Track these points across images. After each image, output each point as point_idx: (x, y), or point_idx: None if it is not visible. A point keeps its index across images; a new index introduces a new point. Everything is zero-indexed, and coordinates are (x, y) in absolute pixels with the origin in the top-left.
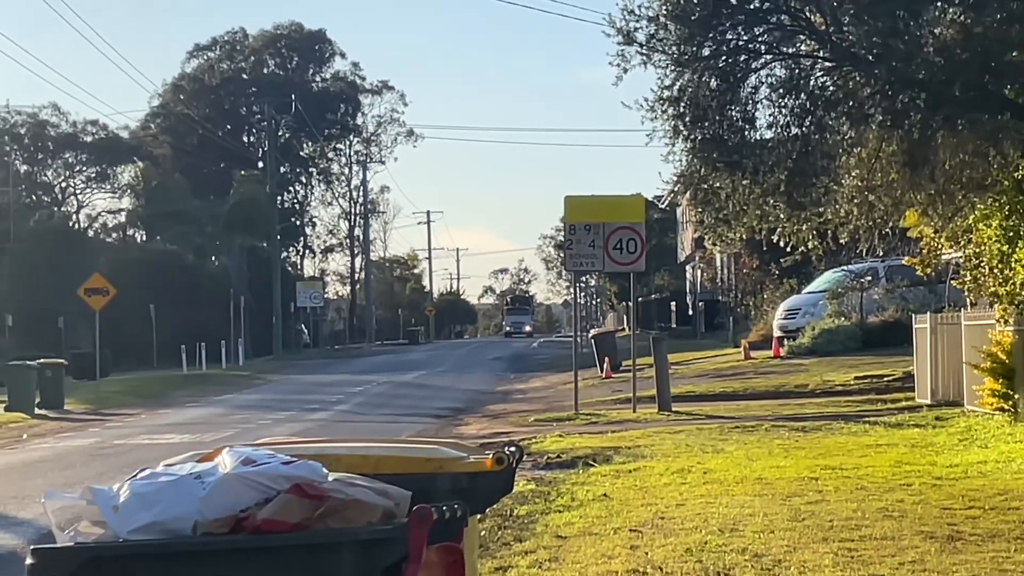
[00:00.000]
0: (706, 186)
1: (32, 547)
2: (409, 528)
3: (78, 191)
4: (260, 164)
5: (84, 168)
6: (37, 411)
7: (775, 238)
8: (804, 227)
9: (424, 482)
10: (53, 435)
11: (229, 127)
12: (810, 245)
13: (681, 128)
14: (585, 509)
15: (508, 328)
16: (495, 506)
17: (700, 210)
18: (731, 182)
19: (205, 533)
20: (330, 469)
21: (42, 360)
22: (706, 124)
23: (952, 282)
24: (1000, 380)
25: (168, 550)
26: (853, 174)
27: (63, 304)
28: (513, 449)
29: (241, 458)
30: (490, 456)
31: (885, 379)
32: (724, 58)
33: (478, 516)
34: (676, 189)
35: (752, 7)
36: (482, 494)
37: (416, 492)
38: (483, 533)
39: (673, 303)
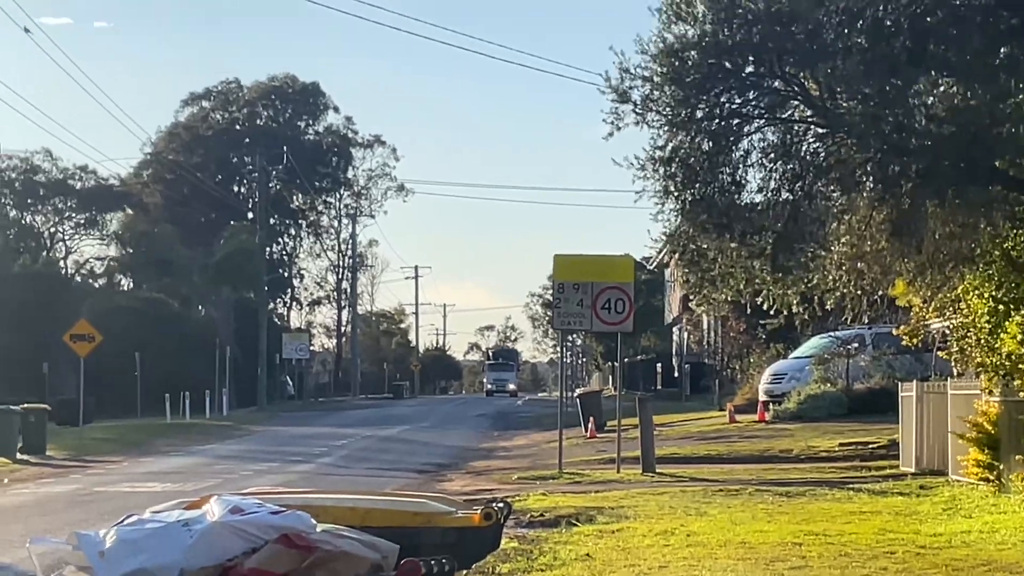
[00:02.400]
0: (694, 247)
1: None
2: None
3: (67, 237)
4: (250, 215)
5: (74, 214)
6: (19, 456)
7: (759, 301)
8: (790, 291)
9: (412, 536)
10: (35, 480)
11: (221, 177)
12: (795, 309)
13: (671, 188)
14: (567, 569)
15: (490, 386)
16: (477, 563)
17: (687, 270)
18: (719, 244)
19: None
20: (318, 520)
21: (25, 405)
22: (696, 185)
23: (939, 352)
24: (985, 450)
25: None
26: (842, 241)
27: (48, 349)
28: (501, 505)
29: (229, 507)
30: (478, 511)
31: (870, 446)
32: (717, 121)
33: (464, 572)
34: (664, 250)
35: (746, 72)
36: (470, 549)
37: (404, 545)
38: None
39: (659, 364)
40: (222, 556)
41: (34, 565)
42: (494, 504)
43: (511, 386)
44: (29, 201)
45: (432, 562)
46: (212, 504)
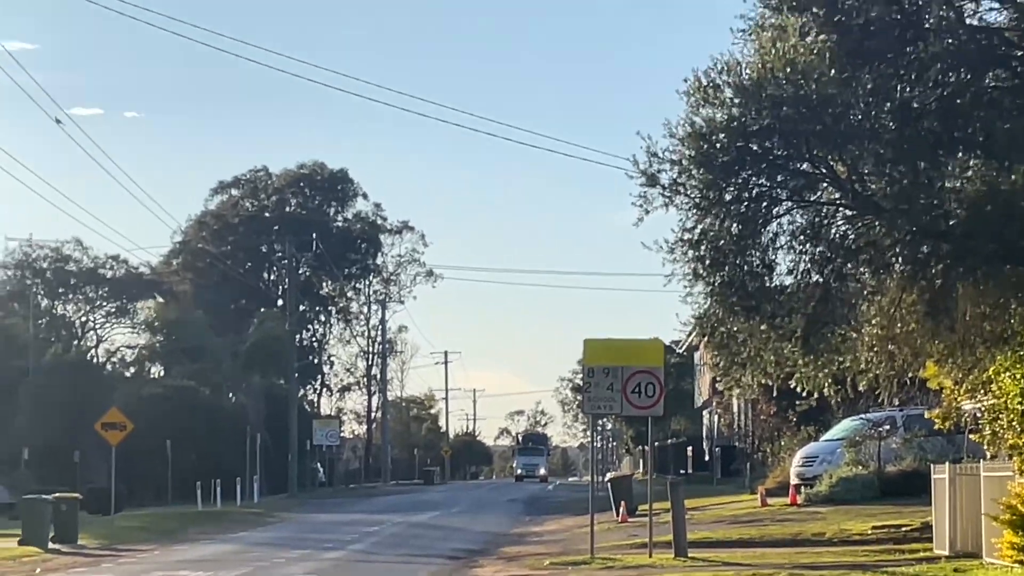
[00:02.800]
0: (723, 330)
1: None
2: None
3: (97, 326)
4: (280, 302)
5: (104, 303)
6: (51, 545)
7: (791, 383)
8: (821, 374)
9: None
10: (67, 570)
11: (250, 264)
12: (827, 392)
13: (700, 271)
14: None
15: (519, 471)
16: None
17: (716, 353)
18: (748, 326)
19: None
20: None
21: (57, 494)
22: (725, 268)
23: (971, 436)
24: (1019, 532)
25: None
26: (873, 323)
27: (79, 438)
28: None
29: None
30: None
31: (903, 529)
32: (745, 204)
33: None
34: (693, 332)
35: (774, 155)
36: None
37: None
38: None
39: (690, 448)
40: None
41: None
42: None
43: (541, 471)
44: (60, 290)
45: None
46: None
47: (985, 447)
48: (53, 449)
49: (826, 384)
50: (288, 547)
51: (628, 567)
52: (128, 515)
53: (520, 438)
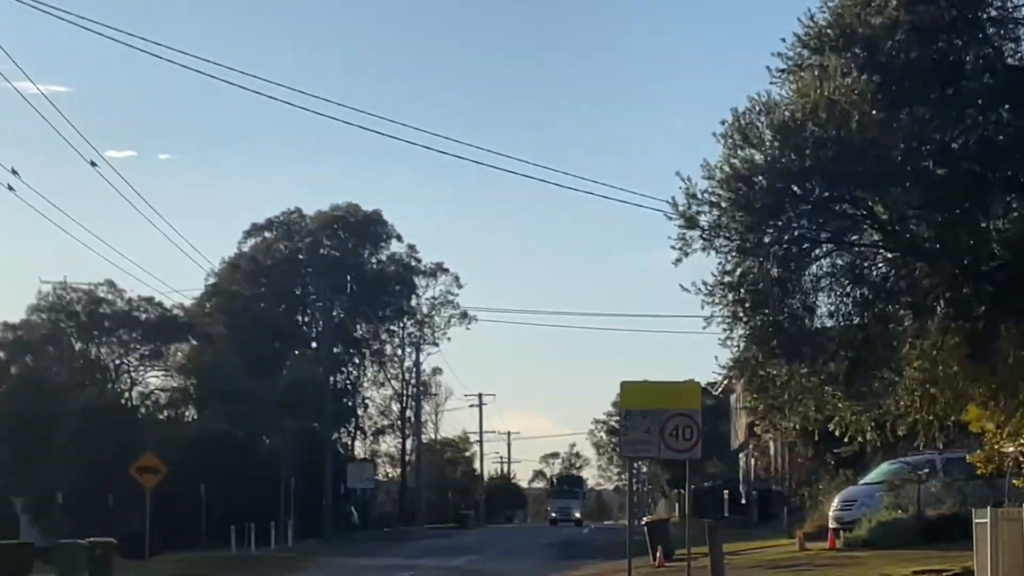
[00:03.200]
0: (763, 373)
1: None
2: None
3: (131, 369)
4: (314, 344)
5: (138, 346)
6: None
7: (831, 427)
8: (862, 418)
9: None
10: None
11: (284, 307)
12: (868, 436)
13: (740, 314)
14: None
15: (554, 514)
16: None
17: (755, 397)
18: (788, 370)
19: None
20: None
21: (92, 539)
22: (766, 311)
23: (1015, 481)
24: None
25: None
26: (914, 366)
27: (113, 482)
28: None
29: None
30: None
31: (944, 574)
32: (786, 246)
33: None
34: (731, 375)
35: (815, 196)
36: None
37: None
38: None
39: (726, 491)
40: None
41: None
42: None
43: (576, 514)
44: (94, 333)
45: None
46: None
47: None
48: (87, 493)
49: (868, 428)
50: None
51: None
52: (162, 559)
53: (554, 480)
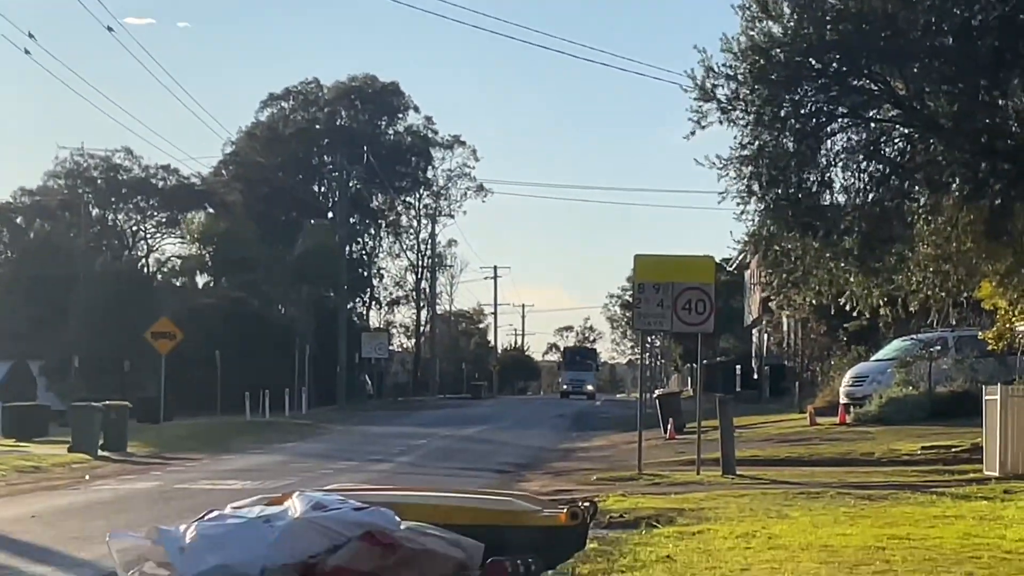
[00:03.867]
0: (777, 247)
1: None
2: None
3: (148, 236)
4: (330, 214)
5: (155, 213)
6: (100, 453)
7: (843, 302)
8: (875, 293)
9: (497, 535)
10: (115, 477)
11: (300, 176)
12: (880, 312)
13: (755, 188)
14: (648, 570)
15: (565, 386)
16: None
17: (769, 272)
18: (802, 244)
19: None
20: (402, 518)
21: (107, 402)
22: (781, 185)
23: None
24: None
25: None
26: (928, 242)
27: (129, 347)
28: (587, 504)
29: (312, 503)
30: (565, 511)
31: (953, 450)
32: (803, 120)
33: (548, 572)
34: (746, 250)
35: (833, 70)
36: (556, 549)
37: (489, 544)
38: None
39: (738, 366)
40: (304, 553)
41: (114, 560)
42: (580, 503)
43: (589, 387)
44: (111, 199)
45: (519, 562)
46: (294, 500)
47: None
48: (103, 358)
49: (880, 303)
50: (335, 458)
51: (675, 484)
52: (177, 424)
53: (567, 352)
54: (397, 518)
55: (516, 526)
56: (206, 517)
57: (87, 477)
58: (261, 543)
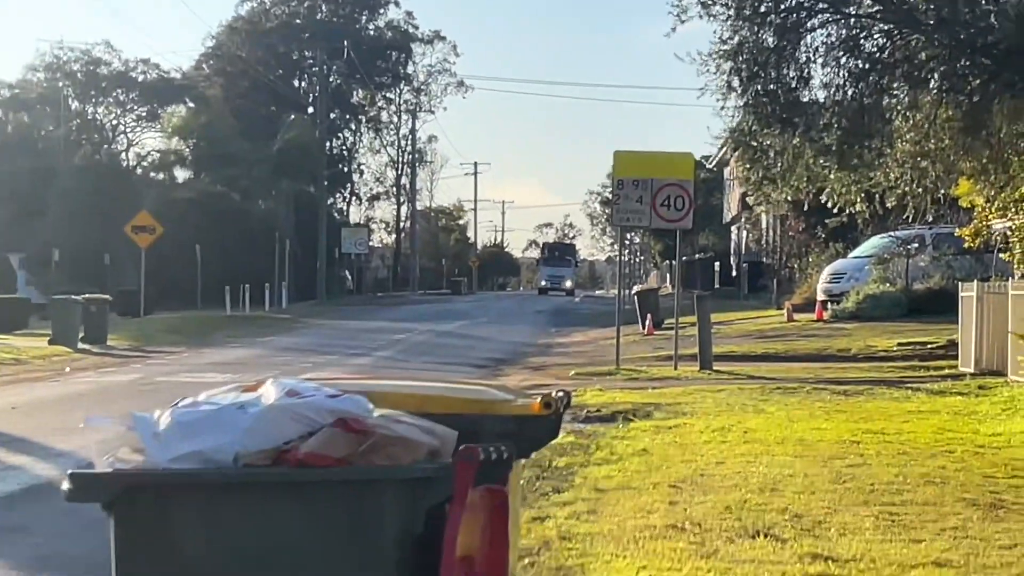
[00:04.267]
0: (755, 143)
1: (70, 472)
2: (455, 468)
3: (128, 129)
4: (310, 109)
5: (135, 107)
6: (80, 345)
7: (822, 199)
8: (853, 188)
9: (470, 423)
10: (95, 370)
11: (281, 71)
12: (857, 207)
13: (735, 84)
14: (624, 463)
15: (543, 282)
16: (534, 456)
17: (748, 167)
18: (781, 140)
19: (246, 464)
20: (376, 406)
21: (87, 295)
22: (760, 80)
23: (1001, 254)
24: None
25: (208, 480)
26: (907, 138)
27: (109, 241)
28: (561, 394)
29: (285, 390)
30: (538, 400)
31: (929, 346)
32: (783, 14)
33: (523, 461)
34: (725, 147)
35: None
36: (529, 438)
37: (462, 432)
38: (521, 483)
39: (717, 263)
40: (278, 439)
41: (89, 445)
42: (554, 393)
43: (567, 283)
44: (91, 93)
45: (491, 449)
46: (268, 387)
47: (1015, 266)
48: (83, 251)
49: (857, 199)
50: (315, 352)
51: (653, 378)
52: (157, 318)
53: (546, 248)
54: (370, 405)
55: (489, 415)
56: (180, 404)
57: (67, 369)
58: (235, 429)
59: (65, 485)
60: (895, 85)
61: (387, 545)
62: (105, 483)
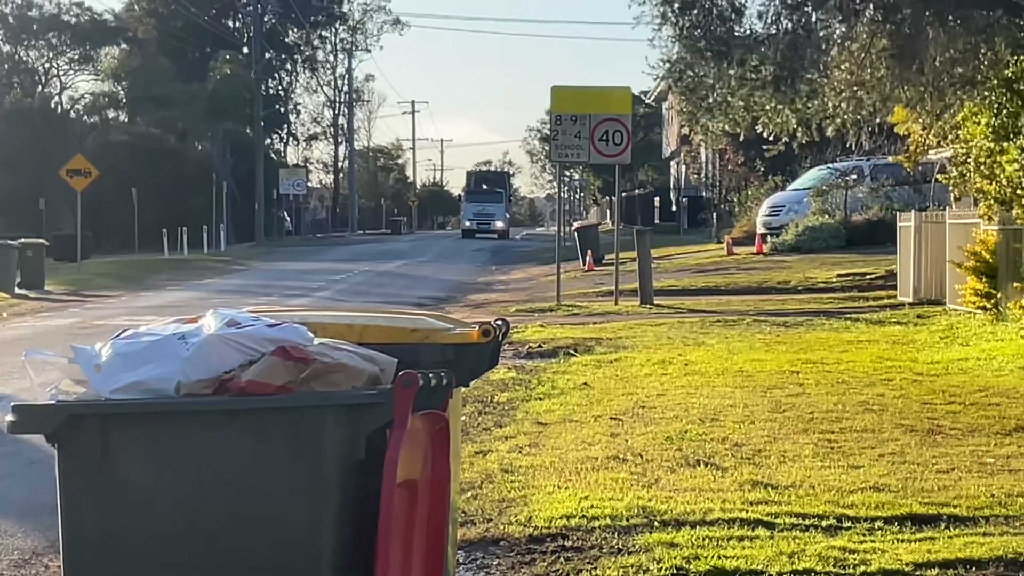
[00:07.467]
0: (691, 74)
1: (13, 404)
2: (395, 393)
3: (61, 73)
4: (245, 50)
5: (67, 50)
6: (17, 291)
7: (759, 128)
8: (790, 117)
9: (410, 352)
10: (33, 315)
11: (215, 11)
12: (795, 134)
13: (668, 14)
14: (566, 397)
15: (467, 222)
16: (476, 392)
17: (684, 99)
18: (717, 71)
19: (188, 394)
20: (315, 336)
21: (23, 240)
22: (694, 11)
23: (939, 176)
24: (983, 279)
25: (151, 409)
26: (842, 68)
27: (45, 185)
28: (500, 322)
29: (226, 320)
30: (476, 328)
31: (868, 277)
32: None
33: (462, 388)
34: (663, 80)
35: None
36: (468, 365)
37: (402, 362)
38: (463, 418)
39: (657, 198)
40: (219, 368)
41: (29, 377)
42: (493, 322)
43: (499, 223)
44: (22, 36)
45: (430, 375)
46: (208, 318)
47: (952, 189)
48: (18, 196)
49: (794, 124)
50: (254, 294)
51: (594, 314)
52: (94, 262)
53: (470, 177)
54: (310, 334)
55: (428, 343)
56: (121, 336)
57: (4, 315)
58: (176, 359)
59: (8, 418)
60: (829, 16)
61: (329, 470)
62: (48, 414)
